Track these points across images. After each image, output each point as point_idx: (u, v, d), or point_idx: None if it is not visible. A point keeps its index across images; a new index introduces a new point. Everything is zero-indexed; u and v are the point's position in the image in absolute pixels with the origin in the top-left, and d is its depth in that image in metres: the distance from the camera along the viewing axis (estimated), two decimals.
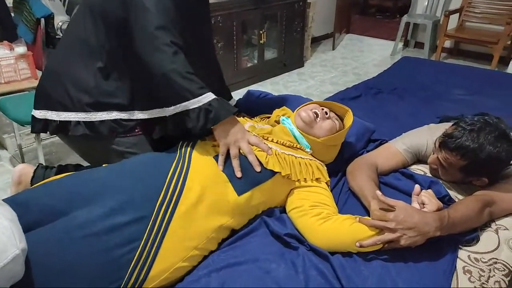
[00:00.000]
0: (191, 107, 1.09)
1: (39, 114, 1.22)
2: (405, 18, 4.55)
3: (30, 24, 2.42)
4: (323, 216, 1.10)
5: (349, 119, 1.37)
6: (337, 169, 1.40)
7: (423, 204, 1.10)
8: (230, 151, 1.11)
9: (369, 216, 1.09)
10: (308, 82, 3.86)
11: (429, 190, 1.17)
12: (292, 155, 1.21)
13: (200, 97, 1.09)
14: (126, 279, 0.89)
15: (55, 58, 1.25)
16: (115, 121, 1.21)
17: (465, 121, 1.23)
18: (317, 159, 1.32)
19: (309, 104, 1.38)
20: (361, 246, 1.01)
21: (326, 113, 1.33)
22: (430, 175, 1.33)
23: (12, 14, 2.56)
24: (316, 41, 5.03)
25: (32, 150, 2.51)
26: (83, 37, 1.18)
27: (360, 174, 1.26)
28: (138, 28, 1.09)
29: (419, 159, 1.44)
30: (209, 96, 1.10)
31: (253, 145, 1.15)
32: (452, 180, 1.29)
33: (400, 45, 4.89)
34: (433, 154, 1.31)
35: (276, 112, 1.47)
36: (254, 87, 3.61)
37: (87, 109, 1.18)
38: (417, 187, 1.17)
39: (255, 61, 3.73)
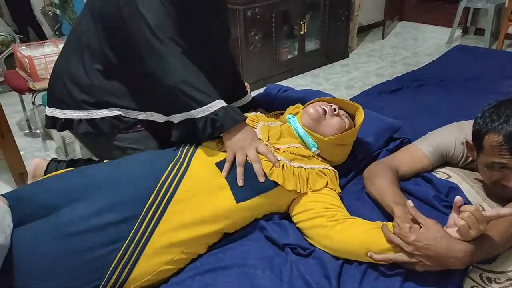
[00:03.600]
0: (197, 116, 1.09)
1: (49, 111, 1.27)
2: (464, 3, 4.17)
3: (72, 22, 2.56)
4: (337, 218, 1.04)
5: (360, 117, 1.28)
6: (348, 169, 1.31)
7: (459, 231, 0.89)
8: (236, 158, 1.08)
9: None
10: (351, 74, 3.69)
11: (476, 213, 0.87)
12: (301, 167, 1.14)
13: (206, 106, 1.08)
14: (106, 279, 0.90)
15: (60, 58, 1.29)
16: (116, 117, 1.22)
17: (486, 117, 1.06)
18: (326, 160, 1.24)
19: (316, 100, 1.30)
20: (371, 258, 0.94)
21: (335, 110, 1.25)
22: (452, 180, 1.19)
23: (58, 13, 2.72)
24: (364, 30, 4.79)
25: (74, 142, 2.66)
26: (84, 38, 1.21)
27: (380, 178, 1.15)
28: (137, 38, 1.09)
29: (446, 161, 1.30)
30: (215, 105, 1.08)
31: (260, 154, 1.10)
32: None
33: (458, 32, 4.51)
34: (492, 174, 1.07)
35: (289, 109, 1.41)
36: (294, 79, 3.52)
37: (87, 108, 1.21)
38: (458, 200, 0.91)
39: (295, 53, 3.63)
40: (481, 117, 1.09)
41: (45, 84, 2.42)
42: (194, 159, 1.10)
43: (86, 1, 1.24)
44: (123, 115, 1.23)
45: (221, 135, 1.12)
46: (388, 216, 1.08)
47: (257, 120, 1.31)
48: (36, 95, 2.46)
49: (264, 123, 1.30)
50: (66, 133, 2.65)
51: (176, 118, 1.13)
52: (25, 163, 2.08)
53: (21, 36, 3.82)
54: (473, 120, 1.29)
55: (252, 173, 1.07)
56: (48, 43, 2.69)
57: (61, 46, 2.52)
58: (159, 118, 1.23)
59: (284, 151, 1.17)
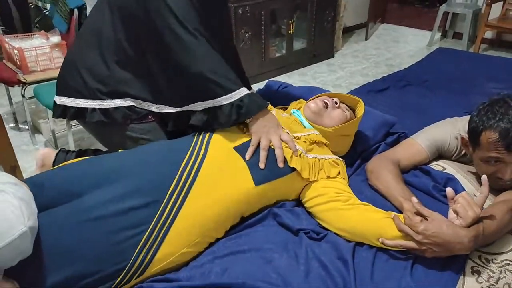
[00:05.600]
0: (223, 103, 1.12)
1: (59, 100, 1.28)
2: (443, 7, 4.35)
3: (64, 15, 2.53)
4: (351, 202, 1.10)
5: (360, 109, 1.36)
6: (349, 162, 1.38)
7: (457, 214, 0.99)
8: (261, 143, 1.13)
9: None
10: (337, 73, 3.79)
11: (466, 194, 1.01)
12: (315, 157, 1.20)
13: (232, 93, 1.12)
14: (132, 261, 0.93)
15: (74, 48, 1.30)
16: (129, 107, 1.24)
17: (482, 114, 1.14)
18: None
19: (319, 95, 1.37)
20: (382, 243, 1.01)
21: (336, 103, 1.32)
22: (448, 172, 1.28)
23: (49, 5, 2.68)
24: (348, 31, 4.91)
25: (65, 136, 2.62)
26: (101, 29, 1.22)
27: (385, 172, 1.22)
28: (163, 29, 1.11)
29: (440, 155, 1.39)
30: (241, 92, 1.13)
31: (283, 141, 1.16)
32: None
33: (438, 35, 4.69)
34: (489, 168, 1.14)
35: (293, 104, 1.47)
36: (282, 77, 3.58)
37: (102, 97, 1.23)
38: (449, 191, 1.04)
39: (283, 52, 3.70)
40: (477, 115, 1.17)
41: (36, 77, 2.39)
42: (211, 144, 1.14)
43: None
44: (136, 105, 1.25)
45: (247, 121, 1.16)
46: (387, 208, 1.15)
47: (270, 109, 1.37)
48: (25, 88, 2.43)
49: (277, 112, 1.36)
50: (57, 127, 2.63)
51: (200, 105, 1.16)
52: None
53: (4, 27, 3.73)
54: (465, 117, 1.39)
55: (272, 158, 1.12)
56: (36, 35, 2.64)
57: (52, 39, 2.50)
58: (169, 110, 1.25)
59: (305, 141, 1.22)
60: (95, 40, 1.23)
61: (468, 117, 1.26)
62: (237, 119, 1.13)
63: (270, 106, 1.38)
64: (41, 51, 2.42)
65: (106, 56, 1.21)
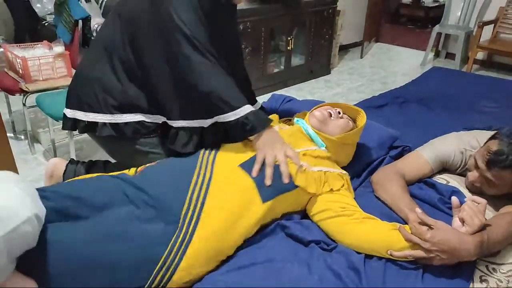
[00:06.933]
0: (228, 120, 1.15)
1: (70, 113, 1.28)
2: (436, 28, 4.48)
3: (68, 25, 2.55)
4: (356, 217, 1.12)
5: (362, 119, 1.40)
6: (355, 174, 1.41)
7: (463, 221, 1.04)
8: (266, 159, 1.14)
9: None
10: (334, 90, 3.86)
11: (471, 203, 1.06)
12: (321, 170, 1.22)
13: (238, 110, 1.14)
14: (150, 282, 0.93)
15: (85, 61, 1.31)
16: (139, 123, 1.25)
17: (507, 135, 1.19)
18: (332, 158, 1.33)
19: (322, 105, 1.41)
20: (391, 255, 1.03)
21: (339, 113, 1.36)
22: (452, 185, 1.31)
23: (53, 16, 2.70)
24: (344, 49, 5.02)
25: (64, 145, 2.62)
26: (112, 43, 1.23)
27: (391, 185, 1.25)
28: (176, 53, 1.14)
29: (445, 168, 1.41)
30: (246, 109, 1.15)
31: (288, 157, 1.17)
32: (497, 194, 1.24)
33: (431, 55, 4.81)
34: (473, 171, 1.26)
35: (297, 116, 1.50)
36: (280, 92, 3.60)
37: (113, 111, 1.24)
38: (454, 200, 1.09)
39: (282, 67, 3.77)
40: (508, 144, 1.17)
41: (38, 86, 2.40)
42: (216, 164, 1.15)
43: (116, 4, 1.28)
44: (146, 120, 1.26)
45: (251, 138, 1.18)
46: (393, 218, 1.17)
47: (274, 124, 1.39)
48: (27, 97, 2.43)
49: (279, 127, 1.38)
50: (56, 136, 2.62)
51: (206, 122, 1.19)
52: None
53: (2, 36, 3.74)
54: (471, 132, 1.43)
55: (278, 173, 1.13)
56: (39, 45, 2.66)
57: (56, 49, 2.51)
58: (181, 124, 1.26)
59: (304, 155, 1.24)
60: (106, 53, 1.24)
61: (474, 132, 1.30)
62: (242, 134, 1.16)
63: (274, 121, 1.42)
64: (44, 60, 2.44)
65: (117, 70, 1.22)
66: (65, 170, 1.31)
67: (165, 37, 1.14)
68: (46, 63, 2.45)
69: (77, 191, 1.02)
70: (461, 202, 1.17)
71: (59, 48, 2.52)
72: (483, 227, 1.01)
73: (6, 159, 2.02)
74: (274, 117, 1.47)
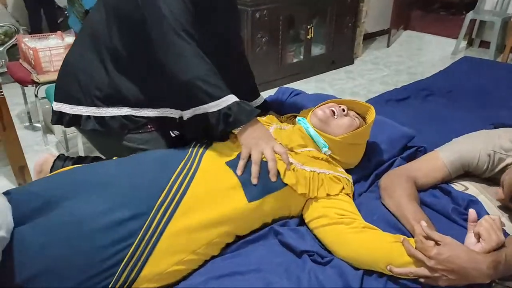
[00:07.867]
0: (210, 111, 1.06)
1: (56, 106, 1.23)
2: (470, 15, 4.18)
3: (79, 15, 2.53)
4: (355, 226, 1.01)
5: (371, 116, 1.27)
6: (362, 177, 1.29)
7: (479, 237, 0.92)
8: (252, 156, 1.05)
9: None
10: (356, 81, 3.68)
11: (490, 218, 0.94)
12: (314, 171, 1.11)
13: (219, 100, 1.05)
14: (117, 277, 0.87)
15: (72, 51, 1.26)
16: (126, 117, 1.19)
17: None
18: (340, 162, 1.22)
19: (327, 102, 1.29)
20: (391, 271, 0.92)
21: (344, 110, 1.24)
22: (470, 193, 1.17)
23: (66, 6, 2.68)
24: (369, 37, 4.79)
25: (76, 137, 2.62)
26: (97, 33, 1.17)
27: (398, 191, 1.12)
28: (156, 36, 1.07)
29: (468, 172, 1.24)
30: (228, 100, 1.06)
31: (276, 153, 1.08)
32: None
33: (463, 43, 4.52)
34: (500, 191, 1.10)
35: (303, 113, 1.39)
36: (298, 84, 3.50)
37: (98, 104, 1.18)
38: (472, 213, 0.97)
39: (301, 57, 3.62)
40: None
41: (49, 77, 2.38)
42: (204, 157, 1.08)
43: None
44: (133, 114, 1.20)
45: (235, 131, 1.09)
46: (401, 231, 1.05)
47: (270, 123, 1.29)
48: (39, 88, 2.42)
49: (277, 126, 1.28)
50: (69, 128, 2.61)
51: (187, 113, 1.11)
52: (25, 156, 2.04)
53: (25, 27, 3.78)
54: (504, 129, 1.26)
55: (265, 171, 1.04)
56: (53, 36, 2.64)
57: (67, 39, 2.49)
58: (174, 114, 1.20)
59: (297, 153, 1.15)
60: (93, 42, 1.18)
61: (509, 131, 1.15)
62: (225, 127, 1.06)
63: (270, 119, 1.32)
64: (56, 51, 2.41)
65: (105, 60, 1.17)
66: (52, 166, 1.27)
67: (149, 22, 1.07)
68: (58, 54, 2.43)
69: (42, 188, 0.97)
70: (479, 214, 1.04)
71: (70, 39, 2.50)
72: (500, 246, 0.88)
73: (15, 153, 2.03)
74: (271, 116, 1.36)
